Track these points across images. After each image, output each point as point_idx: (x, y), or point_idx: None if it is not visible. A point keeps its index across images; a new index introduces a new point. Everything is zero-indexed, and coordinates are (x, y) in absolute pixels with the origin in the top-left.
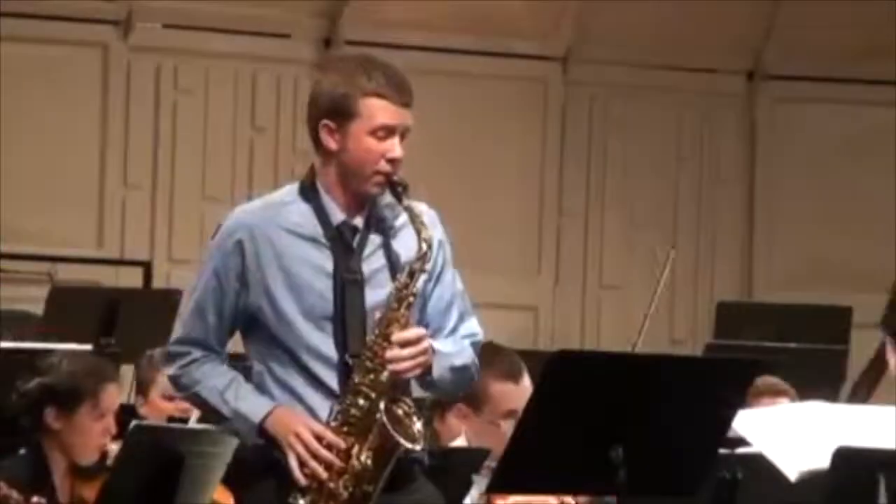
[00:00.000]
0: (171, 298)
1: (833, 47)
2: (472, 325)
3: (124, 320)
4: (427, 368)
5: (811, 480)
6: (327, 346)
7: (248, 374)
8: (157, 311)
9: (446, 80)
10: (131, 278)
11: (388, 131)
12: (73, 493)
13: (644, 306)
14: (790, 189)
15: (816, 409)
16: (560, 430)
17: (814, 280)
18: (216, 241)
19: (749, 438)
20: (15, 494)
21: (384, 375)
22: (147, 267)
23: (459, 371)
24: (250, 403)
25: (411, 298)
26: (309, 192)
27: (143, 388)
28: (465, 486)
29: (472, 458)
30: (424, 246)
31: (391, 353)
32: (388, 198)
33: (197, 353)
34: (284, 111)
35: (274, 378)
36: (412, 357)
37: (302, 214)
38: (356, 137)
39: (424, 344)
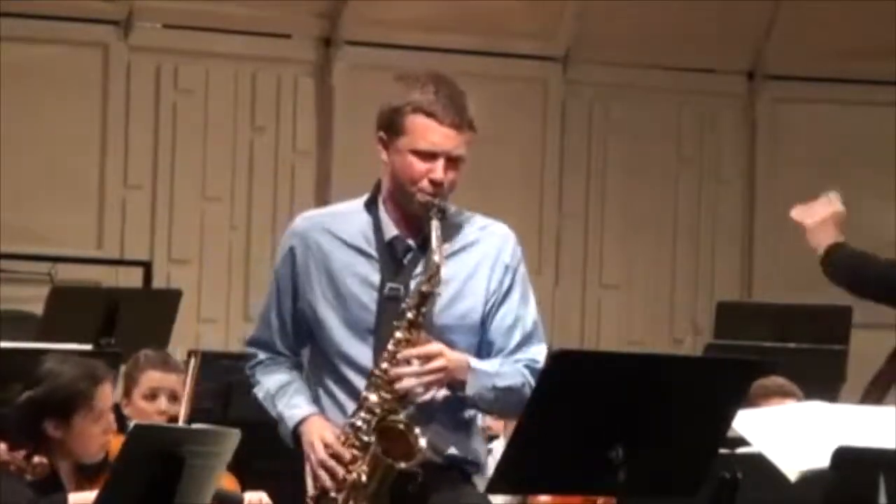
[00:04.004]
0: (171, 298)
1: (833, 47)
2: (536, 352)
3: (124, 320)
4: (459, 384)
5: (811, 480)
6: (365, 357)
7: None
8: (157, 311)
9: None
10: (131, 278)
11: (430, 154)
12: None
13: (644, 306)
14: (790, 189)
15: (816, 409)
16: (560, 430)
17: (814, 280)
18: (280, 245)
19: (749, 438)
20: (17, 458)
21: (389, 394)
22: (147, 267)
23: (503, 392)
24: (292, 409)
25: (420, 319)
26: (371, 203)
27: (127, 388)
28: None
29: None
30: (433, 268)
31: (396, 370)
32: (450, 219)
33: (262, 356)
34: (284, 111)
35: (319, 382)
36: (417, 375)
37: (358, 225)
38: (402, 154)
39: (435, 363)
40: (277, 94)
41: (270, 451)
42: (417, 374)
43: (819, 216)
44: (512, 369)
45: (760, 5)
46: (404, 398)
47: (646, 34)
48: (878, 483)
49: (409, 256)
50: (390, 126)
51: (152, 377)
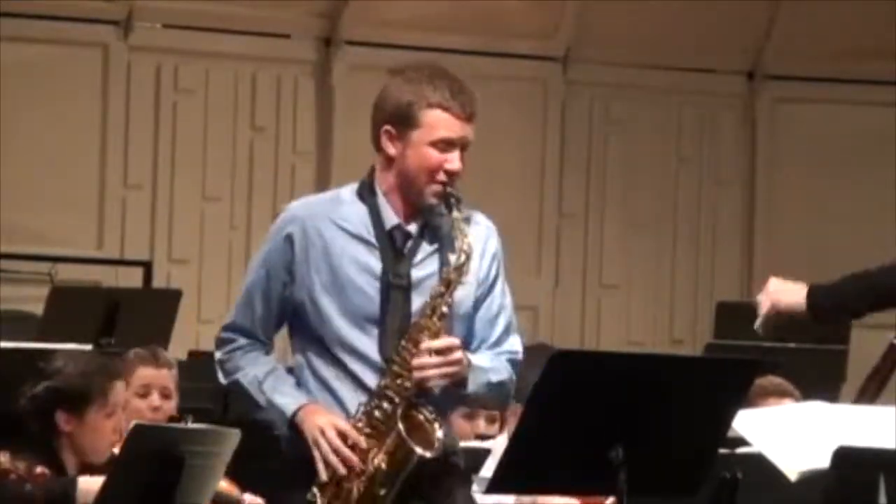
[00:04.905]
0: (170, 298)
1: (833, 47)
2: (515, 343)
3: (124, 320)
4: (460, 380)
5: (811, 480)
6: (367, 346)
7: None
8: (157, 311)
9: None
10: (131, 278)
11: (448, 144)
12: None
13: (644, 306)
14: (790, 189)
15: (817, 409)
16: (560, 430)
17: (814, 280)
18: (271, 231)
19: (749, 438)
20: (20, 467)
21: (409, 382)
22: (147, 267)
23: (496, 387)
24: (285, 396)
25: (445, 308)
26: (366, 192)
27: None
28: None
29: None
30: (463, 256)
31: (418, 360)
32: (444, 207)
33: (242, 341)
34: (284, 111)
35: (312, 372)
36: (439, 366)
37: (356, 214)
38: (416, 147)
39: (455, 355)
40: (277, 94)
41: (270, 451)
42: (439, 365)
43: (767, 301)
44: (500, 364)
45: (760, 5)
46: (421, 386)
47: (646, 34)
48: (878, 483)
49: (408, 245)
50: (401, 120)
51: (144, 374)
